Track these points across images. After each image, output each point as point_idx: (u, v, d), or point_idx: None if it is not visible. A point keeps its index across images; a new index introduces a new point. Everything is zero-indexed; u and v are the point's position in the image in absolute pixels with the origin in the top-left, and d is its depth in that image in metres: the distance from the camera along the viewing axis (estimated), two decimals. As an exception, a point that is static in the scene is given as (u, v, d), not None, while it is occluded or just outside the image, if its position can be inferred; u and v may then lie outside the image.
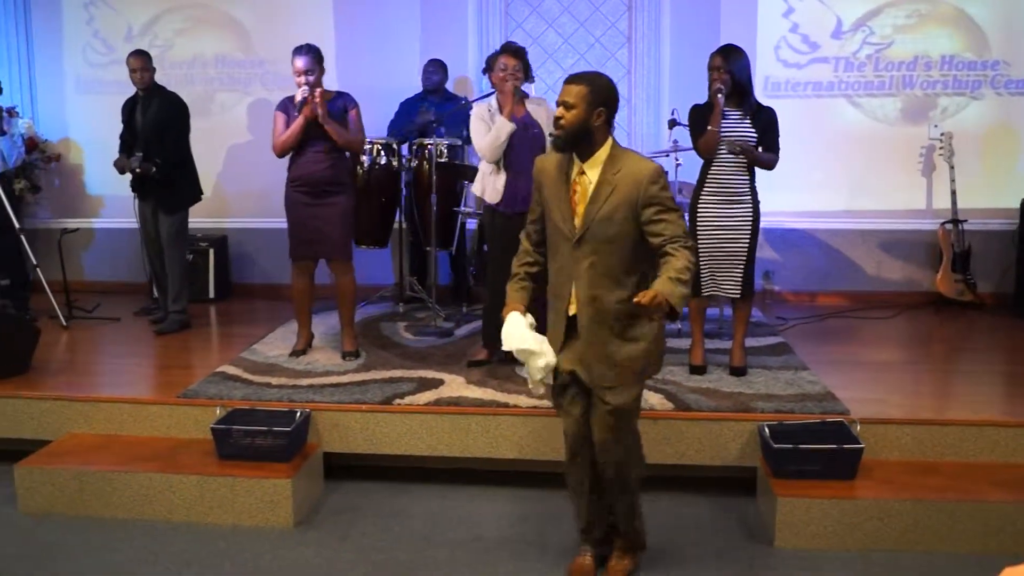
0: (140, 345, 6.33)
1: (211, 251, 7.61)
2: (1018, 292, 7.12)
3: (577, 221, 3.53)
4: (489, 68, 5.36)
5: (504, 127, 5.16)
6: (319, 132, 5.46)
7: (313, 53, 5.48)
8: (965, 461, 4.63)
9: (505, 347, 3.57)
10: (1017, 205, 7.23)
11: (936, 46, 7.35)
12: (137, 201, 6.58)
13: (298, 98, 5.42)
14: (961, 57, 7.33)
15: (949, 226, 7.13)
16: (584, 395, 3.68)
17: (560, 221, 3.56)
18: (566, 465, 3.84)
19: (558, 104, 3.50)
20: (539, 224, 3.71)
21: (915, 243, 7.50)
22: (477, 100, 5.72)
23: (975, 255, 7.20)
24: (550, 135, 3.73)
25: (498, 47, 5.42)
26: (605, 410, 3.60)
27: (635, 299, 3.26)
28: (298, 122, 5.45)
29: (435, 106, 7.01)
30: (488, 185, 5.34)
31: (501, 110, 5.24)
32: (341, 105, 5.60)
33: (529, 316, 3.60)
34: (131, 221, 6.83)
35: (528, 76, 5.34)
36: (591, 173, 3.53)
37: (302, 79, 5.42)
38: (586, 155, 3.53)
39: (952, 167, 7.13)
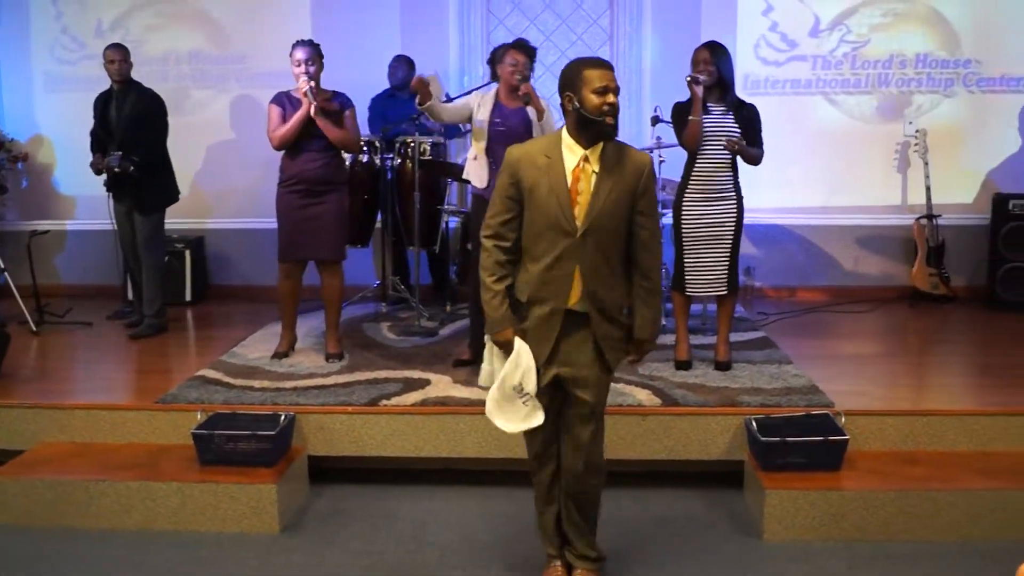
0: (115, 350, 6.24)
1: (187, 252, 7.51)
2: (990, 285, 7.22)
3: (579, 212, 3.39)
4: (495, 60, 5.35)
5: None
6: (316, 130, 5.41)
7: (314, 46, 5.44)
8: (946, 450, 4.70)
9: (511, 382, 3.47)
10: (989, 200, 7.30)
11: (911, 45, 7.43)
12: (112, 202, 6.47)
13: (303, 88, 5.36)
14: (935, 56, 7.41)
15: (924, 221, 7.21)
16: (558, 395, 3.59)
17: (557, 214, 3.38)
18: (534, 470, 3.77)
19: (612, 91, 3.34)
20: (515, 223, 3.49)
21: (891, 238, 7.57)
22: (468, 93, 5.71)
23: (949, 250, 7.29)
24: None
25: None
26: (589, 406, 3.56)
27: (631, 360, 3.64)
28: (299, 114, 5.38)
29: (406, 102, 6.96)
30: (473, 170, 5.35)
31: (499, 98, 5.30)
32: (339, 104, 5.55)
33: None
34: (104, 222, 6.71)
35: (531, 75, 5.34)
36: (595, 161, 3.42)
37: (301, 69, 5.37)
38: (592, 142, 3.42)
39: (926, 163, 7.20)
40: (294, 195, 5.50)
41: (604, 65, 3.42)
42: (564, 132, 3.45)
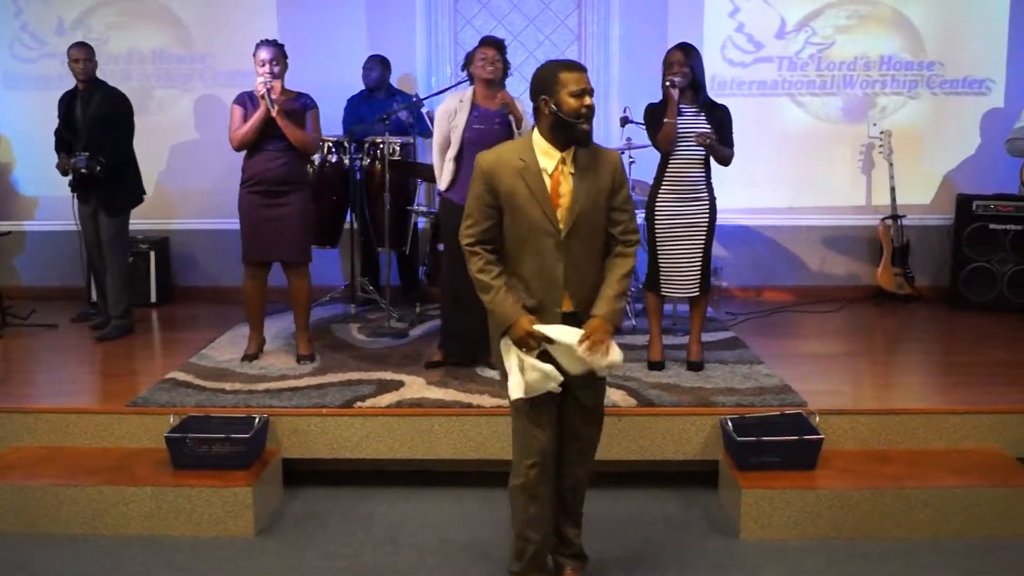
0: (81, 353, 6.15)
1: (152, 253, 7.40)
2: (954, 285, 7.30)
3: (562, 214, 3.39)
4: (468, 62, 5.34)
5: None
6: (276, 130, 5.36)
7: (278, 47, 5.40)
8: (917, 448, 4.76)
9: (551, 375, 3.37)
10: (952, 201, 7.39)
11: (875, 47, 7.50)
12: (76, 202, 6.37)
13: (260, 90, 5.31)
14: (899, 58, 7.49)
15: (889, 222, 7.28)
16: (558, 401, 3.52)
17: (540, 218, 3.37)
18: (530, 484, 3.54)
19: (586, 92, 3.34)
20: (496, 230, 3.44)
21: (856, 238, 7.64)
22: (441, 92, 5.70)
23: (913, 250, 7.37)
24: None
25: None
26: (591, 407, 3.59)
27: (583, 344, 3.35)
28: (258, 115, 5.33)
29: (382, 102, 6.93)
30: (443, 171, 5.34)
31: (476, 99, 5.29)
32: (301, 105, 5.50)
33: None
34: (67, 223, 6.60)
35: (506, 70, 5.33)
36: (570, 163, 3.42)
37: (265, 69, 5.32)
38: (567, 145, 3.41)
39: (891, 164, 7.27)
40: (255, 196, 5.44)
41: (580, 68, 3.41)
42: (536, 135, 3.43)
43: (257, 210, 5.44)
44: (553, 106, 3.33)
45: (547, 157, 3.40)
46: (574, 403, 3.54)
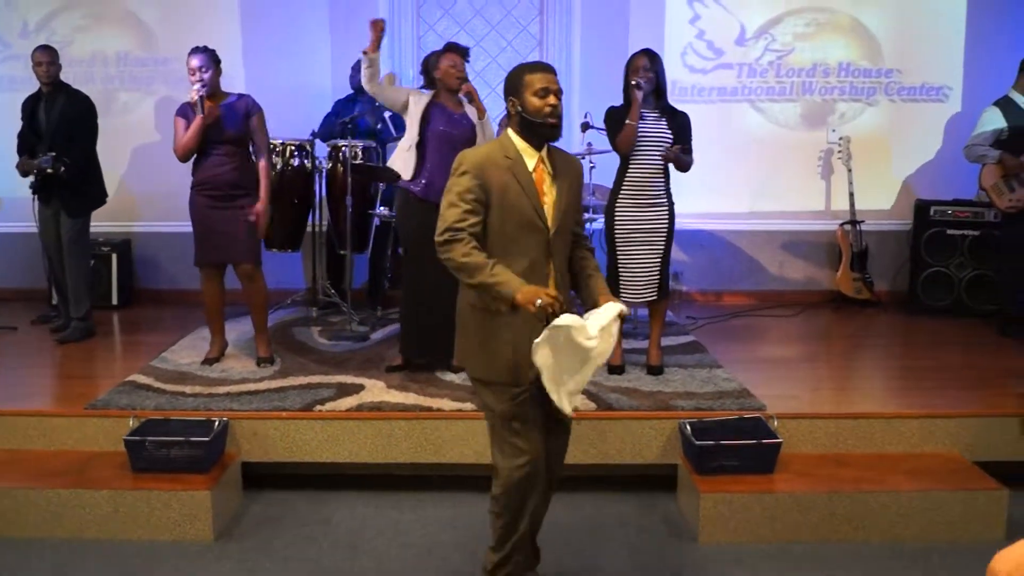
0: (41, 355, 6.11)
1: (114, 256, 7.37)
2: (912, 290, 7.40)
3: (549, 211, 3.41)
4: (429, 67, 5.36)
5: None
6: (220, 135, 5.37)
7: (208, 53, 5.40)
8: (875, 452, 4.80)
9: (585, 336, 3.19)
10: (911, 207, 7.49)
11: (834, 54, 7.58)
12: (38, 204, 6.32)
13: (194, 98, 5.32)
14: (857, 65, 7.57)
15: (847, 227, 7.36)
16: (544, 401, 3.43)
17: (531, 215, 3.36)
18: (522, 490, 3.45)
19: (553, 93, 3.36)
20: (480, 225, 3.34)
21: (816, 243, 7.72)
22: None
23: (872, 255, 7.45)
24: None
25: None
26: (563, 416, 3.52)
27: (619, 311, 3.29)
28: (195, 125, 5.32)
29: (366, 104, 6.92)
30: (402, 161, 5.34)
31: (440, 101, 5.32)
32: (242, 108, 5.48)
33: None
34: (26, 225, 6.55)
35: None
36: (547, 163, 3.45)
37: (195, 76, 5.32)
38: (540, 145, 3.44)
39: (849, 170, 7.35)
40: (205, 199, 5.45)
41: (545, 68, 3.44)
42: (513, 136, 3.44)
43: (207, 213, 5.44)
44: (519, 107, 3.39)
45: (528, 156, 3.42)
46: (546, 415, 3.51)
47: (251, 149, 5.57)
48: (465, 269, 3.27)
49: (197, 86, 5.32)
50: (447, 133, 5.26)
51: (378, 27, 5.30)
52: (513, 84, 3.43)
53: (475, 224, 3.32)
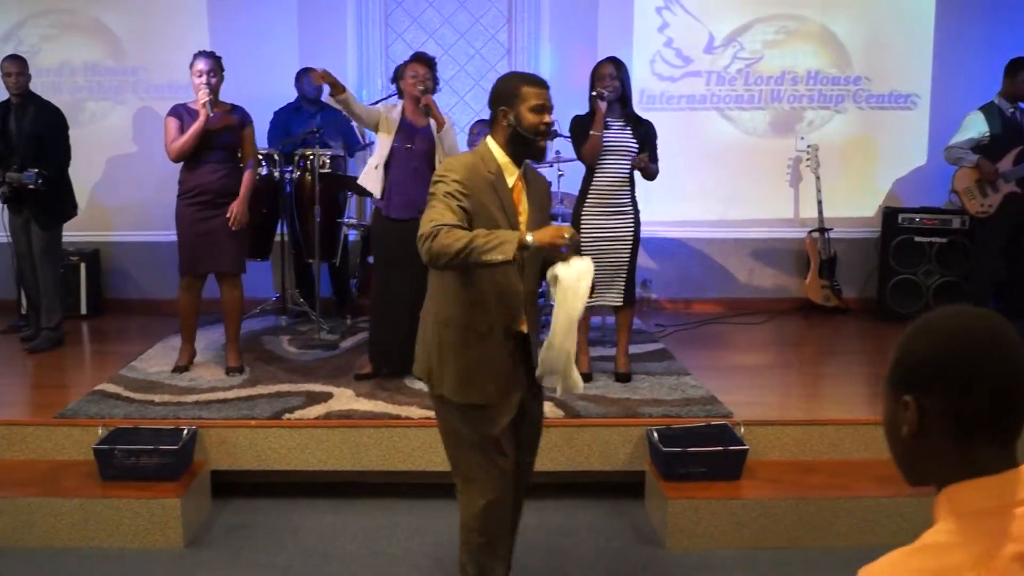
0: (10, 364, 6.08)
1: (83, 265, 7.32)
2: (880, 297, 7.45)
3: (523, 229, 3.20)
4: (398, 76, 5.37)
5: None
6: (214, 141, 5.38)
7: (215, 58, 5.43)
8: (842, 459, 4.83)
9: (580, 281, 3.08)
10: (879, 214, 7.56)
11: (802, 62, 7.63)
12: (8, 214, 6.30)
13: (202, 100, 5.33)
14: (826, 72, 7.63)
15: (816, 234, 7.42)
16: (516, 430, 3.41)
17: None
18: (485, 522, 3.37)
19: (546, 109, 3.23)
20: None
21: (784, 251, 7.76)
22: (378, 102, 5.75)
23: (840, 262, 7.50)
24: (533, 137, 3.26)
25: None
26: (539, 419, 3.55)
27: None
28: (196, 126, 5.33)
29: (311, 115, 6.93)
30: (371, 179, 5.37)
31: (405, 114, 5.34)
32: (238, 120, 5.52)
33: None
34: (-3, 235, 6.54)
35: (435, 86, 5.39)
36: (522, 178, 3.33)
37: (202, 80, 5.34)
38: (521, 160, 3.30)
39: (818, 178, 7.41)
40: (194, 207, 5.44)
41: (542, 84, 3.29)
42: (493, 147, 3.28)
43: (195, 222, 5.44)
44: (512, 119, 3.22)
45: (508, 172, 3.27)
46: (526, 419, 3.45)
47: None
48: (449, 250, 2.98)
49: (205, 89, 5.33)
50: (406, 149, 5.29)
51: (323, 77, 5.21)
52: (506, 94, 3.26)
53: (457, 227, 3.07)
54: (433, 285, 3.37)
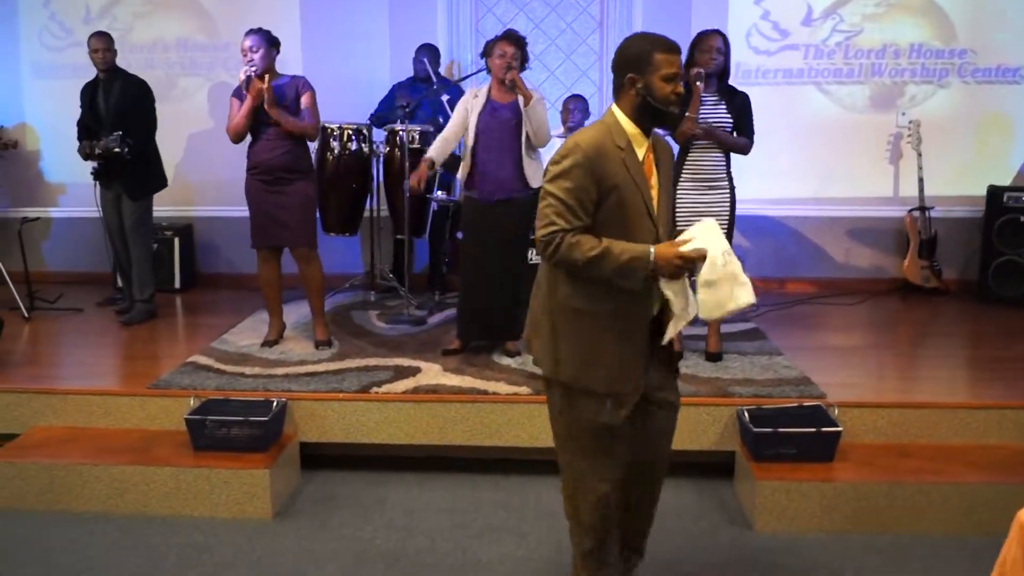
0: (106, 336, 6.21)
1: (176, 240, 7.47)
2: (982, 279, 7.20)
3: (656, 206, 3.07)
4: (487, 53, 5.31)
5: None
6: (267, 117, 5.36)
7: (262, 34, 5.39)
8: (939, 443, 4.69)
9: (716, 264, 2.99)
10: (982, 192, 7.29)
11: (904, 34, 7.37)
12: (99, 189, 6.42)
13: (241, 77, 5.35)
14: (929, 46, 7.37)
15: (916, 213, 7.19)
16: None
17: (642, 214, 3.02)
18: (599, 539, 3.26)
19: (679, 77, 3.02)
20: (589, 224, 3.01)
21: (882, 230, 7.54)
22: (463, 80, 5.70)
23: (941, 242, 7.26)
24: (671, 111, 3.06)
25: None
26: (671, 412, 3.38)
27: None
28: (246, 106, 5.35)
29: (416, 91, 6.91)
30: (462, 167, 5.40)
31: (490, 94, 5.28)
32: (293, 88, 5.48)
33: None
34: (91, 210, 6.63)
35: (524, 65, 5.32)
36: (651, 150, 3.12)
37: (246, 57, 5.34)
38: (651, 131, 3.11)
39: (919, 155, 7.17)
40: (259, 182, 5.47)
41: (676, 49, 3.04)
42: (622, 118, 3.06)
43: (261, 196, 5.47)
44: (642, 87, 3.00)
45: (637, 145, 3.06)
46: (658, 410, 3.31)
47: None
48: (589, 265, 2.94)
49: (247, 67, 5.34)
50: (488, 125, 5.24)
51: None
52: (637, 60, 3.00)
53: (588, 229, 2.98)
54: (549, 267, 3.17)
